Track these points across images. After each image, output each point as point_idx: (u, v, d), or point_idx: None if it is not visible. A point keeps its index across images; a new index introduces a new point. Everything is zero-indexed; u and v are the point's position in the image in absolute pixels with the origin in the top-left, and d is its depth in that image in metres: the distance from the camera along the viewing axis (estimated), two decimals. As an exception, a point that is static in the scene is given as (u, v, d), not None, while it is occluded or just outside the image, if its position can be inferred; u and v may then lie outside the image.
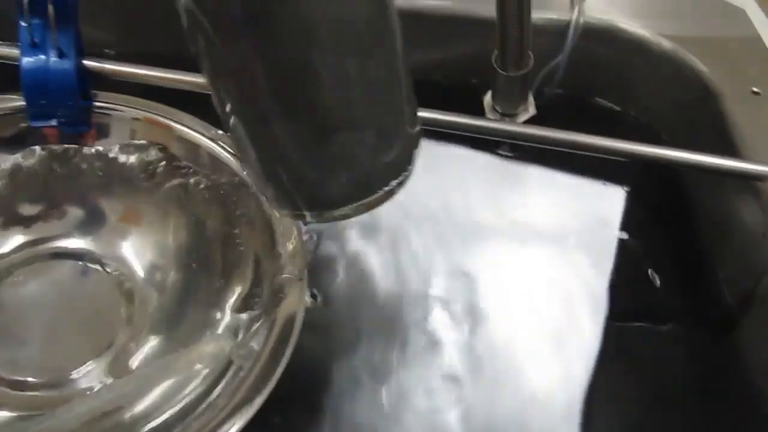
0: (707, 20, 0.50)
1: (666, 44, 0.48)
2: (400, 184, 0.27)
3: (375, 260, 0.44)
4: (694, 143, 0.43)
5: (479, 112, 0.49)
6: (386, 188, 0.27)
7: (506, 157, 0.50)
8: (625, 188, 0.48)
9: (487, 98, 0.49)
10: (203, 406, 0.32)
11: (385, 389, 0.38)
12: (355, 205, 0.27)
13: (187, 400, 0.32)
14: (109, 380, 0.36)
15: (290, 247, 0.36)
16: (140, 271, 0.41)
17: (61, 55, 0.38)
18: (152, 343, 0.38)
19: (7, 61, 0.39)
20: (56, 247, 0.41)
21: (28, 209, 0.42)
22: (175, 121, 0.41)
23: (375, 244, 0.45)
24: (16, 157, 0.41)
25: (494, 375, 0.39)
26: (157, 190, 0.41)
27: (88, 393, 0.32)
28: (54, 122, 0.39)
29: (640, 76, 0.50)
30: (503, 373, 0.40)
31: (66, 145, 0.41)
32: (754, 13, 0.51)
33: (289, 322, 0.33)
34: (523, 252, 0.45)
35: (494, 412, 0.38)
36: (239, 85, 0.24)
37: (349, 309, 0.42)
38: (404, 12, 0.50)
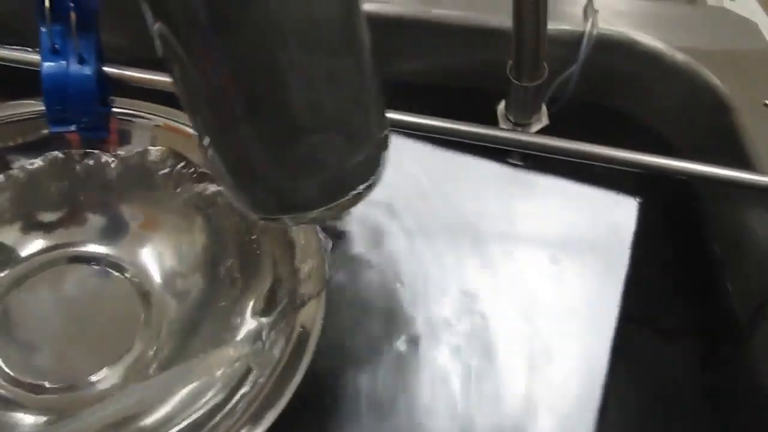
0: (719, 33, 0.50)
1: (679, 56, 0.48)
2: (370, 187, 0.27)
3: (382, 267, 0.44)
4: (707, 155, 0.43)
5: (492, 122, 0.49)
6: (355, 191, 0.26)
7: (518, 166, 0.50)
8: (637, 199, 0.48)
9: (501, 108, 0.49)
10: (223, 413, 0.31)
11: (390, 405, 0.38)
12: (324, 208, 0.26)
13: (206, 408, 0.32)
14: (127, 386, 0.36)
15: (309, 255, 0.36)
16: (159, 278, 0.40)
17: (81, 61, 0.38)
18: (170, 349, 0.38)
19: (28, 67, 0.39)
20: (75, 252, 0.41)
21: (47, 215, 0.42)
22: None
23: (382, 250, 0.45)
24: (37, 162, 0.40)
25: (501, 383, 0.39)
26: (176, 197, 0.41)
27: (108, 397, 0.32)
28: (73, 128, 0.39)
29: (653, 88, 0.50)
30: (510, 381, 0.39)
31: (87, 151, 0.41)
32: (767, 26, 0.51)
33: (307, 330, 0.33)
34: (534, 261, 0.45)
35: (500, 421, 0.38)
36: (207, 89, 0.24)
37: (353, 317, 0.42)
38: (419, 21, 0.51)
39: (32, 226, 0.41)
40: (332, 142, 0.25)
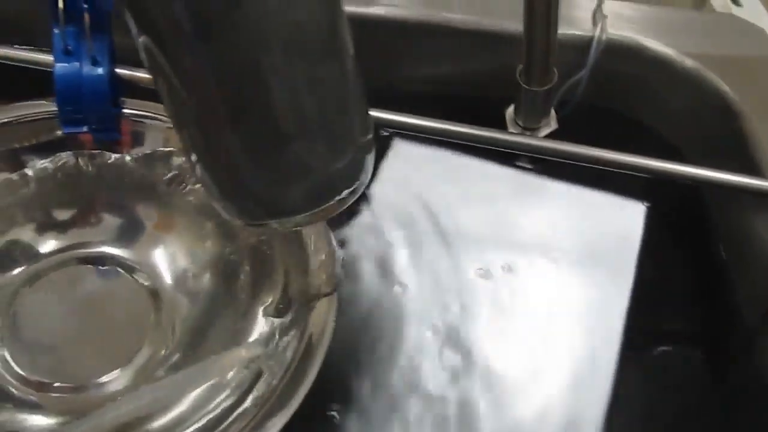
0: (727, 39, 0.50)
1: (688, 62, 0.47)
2: (355, 191, 0.27)
3: (388, 270, 0.44)
4: (715, 161, 0.43)
5: (500, 126, 0.49)
6: (340, 196, 0.26)
7: (526, 170, 0.49)
8: (645, 204, 0.48)
9: (509, 112, 0.49)
10: (234, 415, 0.31)
11: (395, 408, 0.38)
12: (310, 212, 0.26)
13: (218, 410, 0.32)
14: (137, 387, 0.36)
15: (320, 256, 0.36)
16: (171, 279, 0.40)
17: (94, 62, 0.38)
18: (181, 350, 0.37)
19: (41, 68, 0.39)
20: (87, 253, 0.41)
21: (61, 214, 0.41)
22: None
23: (389, 253, 0.45)
24: (51, 163, 0.40)
25: (509, 392, 0.39)
26: (189, 198, 0.41)
27: (119, 398, 0.31)
28: (85, 129, 0.39)
29: (662, 93, 0.49)
30: (518, 389, 0.39)
31: (100, 152, 0.40)
32: (775, 33, 0.51)
33: (320, 332, 0.33)
34: (541, 266, 0.45)
35: (507, 428, 0.38)
36: (192, 99, 0.24)
37: (360, 321, 0.42)
38: (426, 25, 0.51)
39: (46, 226, 0.41)
40: (318, 147, 0.25)
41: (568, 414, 0.38)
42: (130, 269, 0.41)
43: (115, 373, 0.37)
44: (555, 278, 0.44)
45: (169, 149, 0.41)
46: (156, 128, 0.41)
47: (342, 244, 0.43)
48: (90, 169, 0.41)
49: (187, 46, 0.22)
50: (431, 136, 0.45)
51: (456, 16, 0.50)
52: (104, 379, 0.37)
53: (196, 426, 0.32)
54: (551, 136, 0.48)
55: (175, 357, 0.37)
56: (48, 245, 0.41)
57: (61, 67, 0.37)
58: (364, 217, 0.46)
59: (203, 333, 0.38)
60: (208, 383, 0.33)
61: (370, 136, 0.27)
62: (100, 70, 0.38)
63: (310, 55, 0.23)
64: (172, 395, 0.32)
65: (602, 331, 0.42)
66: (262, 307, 0.37)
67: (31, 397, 0.36)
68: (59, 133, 0.39)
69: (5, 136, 0.40)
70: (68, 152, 0.41)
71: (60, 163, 0.40)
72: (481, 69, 0.52)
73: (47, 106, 0.40)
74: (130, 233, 0.41)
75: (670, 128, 0.51)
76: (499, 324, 0.42)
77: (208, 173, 0.26)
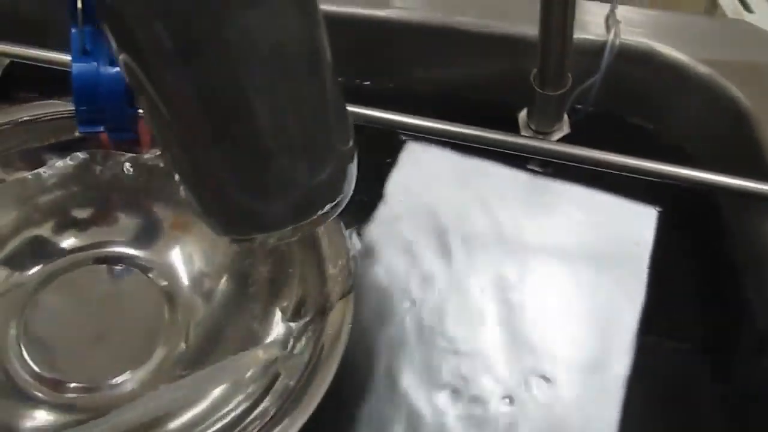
0: (739, 45, 0.49)
1: (702, 69, 0.47)
2: (338, 205, 0.27)
3: (399, 273, 0.43)
4: (727, 166, 0.42)
5: (513, 130, 0.48)
6: (322, 210, 0.26)
7: (539, 174, 0.49)
8: (657, 209, 0.47)
9: (522, 116, 0.49)
10: (252, 416, 0.31)
11: (410, 409, 0.38)
12: (294, 227, 0.26)
13: (235, 412, 0.32)
14: (151, 387, 0.35)
15: (336, 259, 0.36)
16: (187, 280, 0.40)
17: (111, 62, 0.38)
18: (195, 352, 0.37)
19: (60, 67, 0.39)
20: (104, 252, 0.41)
21: (78, 213, 0.41)
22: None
23: (398, 255, 0.44)
24: (69, 161, 0.40)
25: (521, 394, 0.39)
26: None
27: (137, 398, 0.31)
28: (101, 128, 0.39)
29: (674, 99, 0.49)
30: (526, 392, 0.39)
31: (118, 152, 0.40)
32: (789, 40, 0.50)
33: (336, 334, 0.33)
34: (554, 270, 0.44)
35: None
36: (174, 118, 0.24)
37: (373, 323, 0.41)
38: (442, 29, 0.51)
39: (64, 225, 0.41)
40: (300, 162, 0.25)
41: (576, 418, 0.38)
42: (146, 269, 0.41)
43: (129, 373, 0.37)
44: (567, 282, 0.44)
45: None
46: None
47: (356, 246, 0.43)
48: (107, 169, 0.41)
49: (168, 67, 0.22)
50: (445, 139, 0.45)
51: (470, 20, 0.50)
52: (118, 379, 0.37)
53: (214, 427, 0.32)
54: (564, 140, 0.48)
55: (190, 358, 0.37)
56: (65, 244, 0.41)
57: (78, 66, 0.37)
58: (378, 218, 0.46)
59: (218, 334, 0.38)
60: (226, 383, 0.32)
61: (352, 145, 0.27)
62: (117, 70, 0.37)
63: (291, 73, 0.23)
64: (190, 395, 0.32)
65: (614, 335, 0.41)
66: (278, 310, 0.37)
67: (46, 396, 0.36)
68: (78, 132, 0.39)
69: (24, 135, 0.40)
70: (85, 152, 0.40)
71: (77, 163, 0.40)
72: (494, 73, 0.52)
73: (65, 106, 0.40)
74: (147, 233, 0.41)
75: (681, 134, 0.50)
76: (510, 327, 0.41)
77: (193, 190, 0.26)
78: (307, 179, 0.25)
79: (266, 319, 0.37)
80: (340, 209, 0.27)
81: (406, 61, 0.53)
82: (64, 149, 0.40)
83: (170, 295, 0.40)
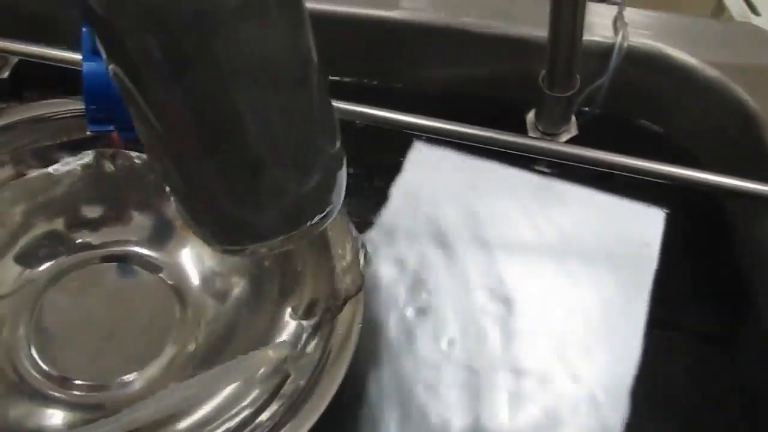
0: (748, 49, 0.49)
1: (710, 71, 0.47)
2: (327, 215, 0.27)
3: (406, 275, 0.43)
4: (735, 169, 0.42)
5: (521, 131, 0.48)
6: (312, 221, 0.26)
7: (546, 176, 0.49)
8: (665, 210, 0.47)
9: (530, 117, 0.49)
10: (263, 415, 0.31)
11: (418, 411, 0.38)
12: (285, 237, 0.26)
13: (246, 412, 0.32)
14: (160, 386, 0.35)
15: (346, 260, 0.36)
16: (198, 279, 0.40)
17: (121, 61, 0.37)
18: (205, 351, 0.37)
19: (71, 66, 0.39)
20: (116, 251, 0.41)
21: (90, 212, 0.41)
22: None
23: (406, 255, 0.44)
24: (80, 160, 0.40)
25: (526, 393, 0.39)
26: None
27: (150, 396, 0.31)
28: (111, 127, 0.38)
29: (682, 102, 0.49)
30: (535, 391, 0.39)
31: (129, 152, 0.40)
32: (794, 42, 0.50)
33: (346, 333, 0.33)
34: (561, 271, 0.44)
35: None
36: (162, 127, 0.24)
37: (377, 324, 0.41)
38: (449, 29, 0.50)
39: (75, 224, 0.41)
40: (290, 172, 0.25)
41: (584, 417, 0.38)
42: (157, 269, 0.41)
43: (139, 372, 0.37)
44: (574, 283, 0.44)
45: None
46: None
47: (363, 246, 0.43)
48: (117, 167, 0.41)
49: (158, 79, 0.22)
50: (452, 139, 0.44)
51: (478, 21, 0.50)
52: (127, 377, 0.37)
53: (225, 426, 0.32)
54: (571, 142, 0.48)
55: (200, 357, 0.37)
56: (77, 242, 0.41)
57: (88, 65, 0.37)
58: (384, 218, 0.46)
59: (229, 334, 0.37)
60: (237, 383, 0.32)
61: (341, 154, 0.27)
62: (127, 69, 0.37)
63: (282, 85, 0.23)
64: (201, 394, 0.32)
65: (622, 336, 0.41)
66: (289, 309, 0.37)
67: (54, 393, 0.36)
68: (89, 131, 0.39)
69: (37, 133, 0.40)
70: (96, 150, 0.40)
71: (88, 161, 0.40)
72: (502, 74, 0.51)
73: (76, 104, 0.40)
74: (158, 233, 0.41)
75: (689, 137, 0.50)
76: (516, 328, 0.41)
77: (183, 200, 0.26)
78: (297, 189, 0.25)
79: (277, 319, 0.37)
80: (330, 218, 0.27)
81: (414, 62, 0.52)
82: (76, 147, 0.40)
83: (181, 295, 0.39)
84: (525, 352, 0.40)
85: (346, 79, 0.54)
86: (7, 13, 0.52)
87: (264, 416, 0.31)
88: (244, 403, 0.33)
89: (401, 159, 0.50)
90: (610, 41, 0.48)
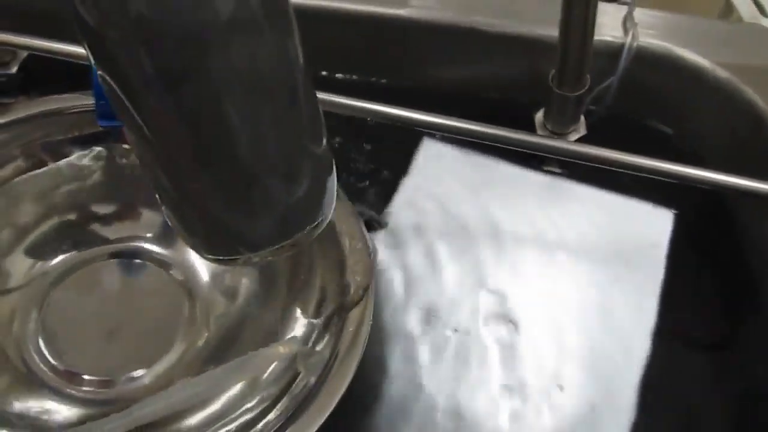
0: (758, 50, 0.49)
1: (720, 72, 0.47)
2: (318, 225, 0.27)
3: (414, 273, 0.43)
4: (744, 170, 0.42)
5: (529, 131, 0.48)
6: (303, 231, 0.26)
7: (555, 175, 0.49)
8: (673, 211, 0.47)
9: (539, 116, 0.49)
10: (273, 412, 0.31)
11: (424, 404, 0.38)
12: (277, 247, 0.26)
13: (257, 410, 0.32)
14: (168, 383, 0.35)
15: (356, 258, 0.35)
16: (207, 276, 0.40)
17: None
18: (214, 348, 0.37)
19: (79, 61, 0.39)
20: (126, 247, 0.41)
21: (101, 208, 0.41)
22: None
23: (414, 254, 0.44)
24: (93, 155, 0.40)
25: (532, 393, 0.38)
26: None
27: (159, 393, 0.31)
28: (118, 122, 0.38)
29: (692, 103, 0.49)
30: (542, 391, 0.39)
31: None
32: (805, 44, 0.50)
33: (356, 331, 0.32)
34: (569, 271, 0.44)
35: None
36: (155, 141, 0.24)
37: (385, 323, 0.41)
38: (459, 28, 0.50)
39: (87, 218, 0.41)
40: (283, 183, 0.25)
41: (593, 419, 0.38)
42: (166, 265, 0.40)
43: (147, 367, 0.37)
44: (582, 283, 0.43)
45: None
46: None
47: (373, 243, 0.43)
48: (128, 163, 0.40)
49: (148, 90, 0.22)
50: (461, 137, 0.44)
51: (487, 20, 0.50)
52: (135, 374, 0.37)
53: (235, 423, 0.32)
54: (580, 141, 0.47)
55: (209, 354, 0.37)
56: (87, 237, 0.41)
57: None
58: (393, 217, 0.46)
59: (238, 331, 0.37)
60: (247, 379, 0.32)
61: (329, 155, 0.27)
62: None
63: (273, 96, 0.23)
64: (211, 390, 0.32)
65: (631, 336, 0.41)
66: (299, 306, 0.36)
67: (63, 388, 0.36)
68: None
69: (48, 128, 0.40)
70: (108, 145, 0.40)
71: (100, 156, 0.40)
72: (510, 73, 0.51)
73: (88, 99, 0.39)
74: (168, 229, 0.40)
75: (698, 138, 0.50)
76: (525, 328, 0.41)
77: (174, 210, 0.26)
78: (289, 198, 0.25)
79: (286, 316, 0.36)
80: (323, 227, 0.27)
81: (421, 60, 0.52)
82: (87, 142, 0.40)
83: (190, 291, 0.39)
84: (531, 351, 0.40)
85: (354, 77, 0.53)
86: (16, 8, 0.52)
87: (274, 413, 0.31)
88: (254, 401, 0.32)
89: (410, 158, 0.49)
90: (619, 41, 0.48)
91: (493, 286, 0.43)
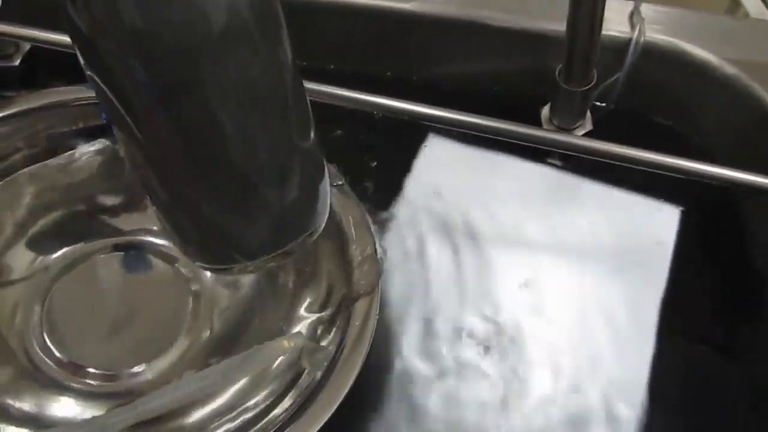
0: (765, 46, 0.49)
1: (728, 68, 0.46)
2: (312, 234, 0.27)
3: (418, 269, 0.43)
4: (752, 166, 0.42)
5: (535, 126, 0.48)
6: (297, 240, 0.26)
7: (561, 172, 0.48)
8: (680, 208, 0.47)
9: (545, 111, 0.48)
10: (276, 411, 0.31)
11: (431, 400, 0.38)
12: (270, 256, 0.26)
13: (262, 404, 0.32)
14: (172, 378, 0.35)
15: (363, 251, 0.35)
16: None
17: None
18: (219, 341, 0.37)
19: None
20: (131, 240, 0.40)
21: (106, 200, 0.41)
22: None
23: (420, 251, 0.44)
24: (98, 147, 0.40)
25: (537, 393, 0.38)
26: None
27: (165, 386, 0.31)
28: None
29: (699, 99, 0.48)
30: (547, 391, 0.38)
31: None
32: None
33: (362, 327, 0.32)
34: (574, 267, 0.44)
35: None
36: (153, 157, 0.24)
37: (391, 318, 0.41)
38: (465, 22, 0.50)
39: (92, 211, 0.41)
40: (276, 189, 0.25)
41: (598, 417, 0.38)
42: (171, 259, 0.40)
43: (151, 361, 0.36)
44: (587, 280, 0.43)
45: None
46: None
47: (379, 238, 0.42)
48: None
49: (140, 99, 0.22)
50: (467, 131, 0.44)
51: (493, 14, 0.49)
52: (139, 367, 0.36)
53: (240, 418, 0.31)
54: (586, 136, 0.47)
55: (213, 348, 0.37)
56: (91, 230, 0.40)
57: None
58: (399, 212, 0.46)
59: (243, 325, 0.37)
60: (253, 373, 0.32)
61: (321, 158, 0.27)
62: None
63: (268, 105, 0.23)
64: (217, 384, 0.32)
65: (635, 334, 0.41)
66: (305, 301, 0.36)
67: (65, 381, 0.36)
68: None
69: (53, 119, 0.40)
70: (110, 137, 0.40)
71: (105, 148, 0.40)
72: (516, 69, 0.51)
73: (91, 91, 0.39)
74: None
75: (705, 134, 0.49)
76: (531, 325, 0.41)
77: (168, 218, 0.26)
78: (282, 206, 0.25)
79: (292, 310, 0.36)
80: (316, 236, 0.27)
81: (426, 55, 0.52)
82: (92, 134, 0.40)
83: (194, 284, 0.39)
84: (533, 346, 0.40)
85: (360, 71, 0.53)
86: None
87: (279, 409, 0.31)
88: (260, 395, 0.32)
89: (416, 152, 0.49)
90: (626, 36, 0.47)
91: (497, 282, 0.43)
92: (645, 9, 0.49)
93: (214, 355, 0.36)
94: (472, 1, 0.50)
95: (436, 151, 0.49)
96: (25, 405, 0.35)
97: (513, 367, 0.39)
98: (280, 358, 0.32)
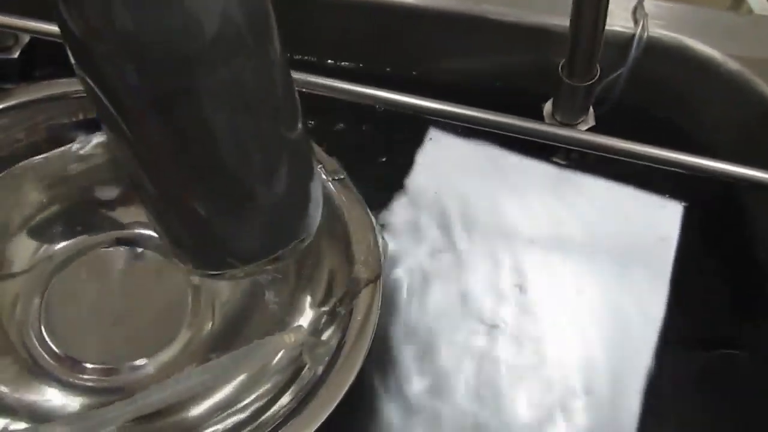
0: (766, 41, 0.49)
1: (732, 64, 0.46)
2: (303, 240, 0.27)
3: (420, 264, 0.43)
4: (755, 162, 0.41)
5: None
6: (290, 246, 0.27)
7: (564, 168, 0.48)
8: (683, 204, 0.46)
9: (547, 107, 0.48)
10: (275, 407, 0.31)
11: (433, 396, 0.37)
12: (263, 261, 0.26)
13: (264, 399, 0.31)
14: (170, 373, 0.35)
15: (364, 246, 0.35)
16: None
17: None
18: (220, 336, 0.37)
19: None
20: (131, 234, 0.40)
21: (105, 193, 0.40)
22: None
23: (423, 247, 0.44)
24: (99, 139, 0.39)
25: (541, 392, 0.38)
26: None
27: (165, 380, 0.31)
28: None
29: (702, 95, 0.48)
30: (551, 389, 0.38)
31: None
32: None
33: (364, 321, 0.32)
34: (577, 263, 0.44)
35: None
36: (141, 155, 0.24)
37: (393, 313, 0.41)
38: (467, 17, 0.50)
39: (92, 203, 0.40)
40: (269, 193, 0.25)
41: (601, 416, 0.38)
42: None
43: (152, 356, 0.36)
44: (590, 276, 0.43)
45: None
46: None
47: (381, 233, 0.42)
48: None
49: (133, 103, 0.22)
50: (469, 125, 0.44)
51: (495, 9, 0.49)
52: (139, 362, 0.36)
53: (242, 413, 0.31)
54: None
55: (214, 342, 0.36)
56: (91, 223, 0.40)
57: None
58: (400, 207, 0.45)
59: (244, 320, 0.37)
60: (254, 367, 0.32)
61: (311, 158, 0.27)
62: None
63: (261, 110, 0.23)
64: (217, 378, 0.32)
65: (638, 330, 0.41)
66: (306, 295, 0.36)
67: (64, 375, 0.36)
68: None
69: (53, 111, 0.39)
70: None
71: (101, 140, 0.39)
72: (518, 64, 0.51)
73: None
74: None
75: (708, 130, 0.49)
76: (533, 322, 0.41)
77: (161, 224, 0.27)
78: (276, 212, 0.25)
79: (294, 304, 0.36)
80: (308, 242, 0.27)
81: (430, 50, 0.52)
82: (92, 126, 0.39)
83: (195, 279, 0.39)
84: (537, 343, 0.40)
85: (362, 66, 0.53)
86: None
87: (280, 403, 0.31)
88: (260, 390, 0.32)
89: (417, 148, 0.49)
90: (629, 32, 0.47)
91: (499, 278, 0.42)
92: (648, 4, 0.49)
93: (215, 349, 0.36)
94: (474, -5, 0.50)
95: (438, 145, 0.49)
96: (24, 399, 0.34)
97: (516, 365, 0.39)
98: (281, 353, 0.32)
